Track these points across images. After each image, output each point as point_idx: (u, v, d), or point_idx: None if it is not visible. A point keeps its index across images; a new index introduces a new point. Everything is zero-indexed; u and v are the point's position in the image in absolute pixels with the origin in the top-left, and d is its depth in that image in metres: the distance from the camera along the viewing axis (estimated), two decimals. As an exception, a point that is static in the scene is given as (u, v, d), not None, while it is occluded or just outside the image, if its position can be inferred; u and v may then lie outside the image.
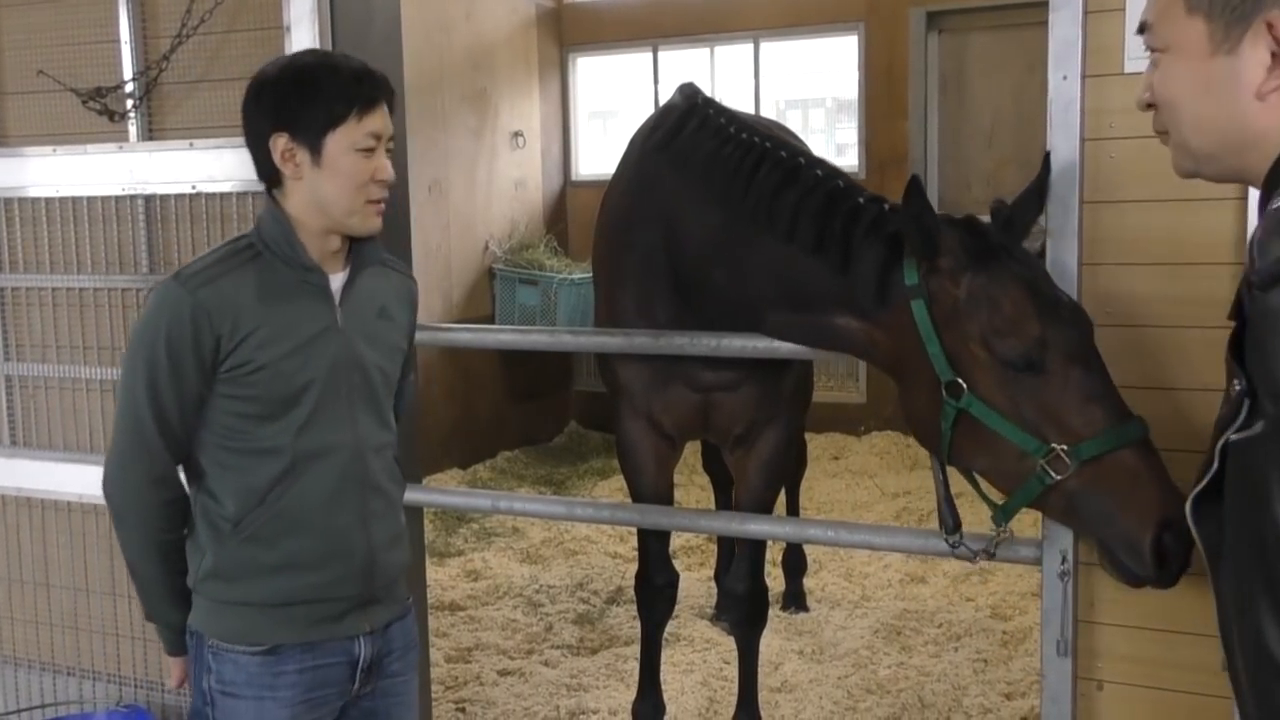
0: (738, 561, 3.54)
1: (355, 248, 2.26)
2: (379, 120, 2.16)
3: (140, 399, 2.11)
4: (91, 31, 3.41)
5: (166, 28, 3.30)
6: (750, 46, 7.99)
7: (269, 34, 3.19)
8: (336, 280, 2.22)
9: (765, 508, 3.44)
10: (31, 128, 3.56)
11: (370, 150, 2.15)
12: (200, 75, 3.30)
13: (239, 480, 2.15)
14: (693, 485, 6.61)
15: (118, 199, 3.45)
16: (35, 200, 3.57)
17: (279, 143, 2.14)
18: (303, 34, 3.13)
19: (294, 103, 2.13)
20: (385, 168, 2.18)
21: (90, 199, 3.49)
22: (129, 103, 3.36)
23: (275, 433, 2.13)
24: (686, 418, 3.30)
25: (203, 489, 2.18)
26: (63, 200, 3.53)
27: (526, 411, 7.82)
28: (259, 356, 2.10)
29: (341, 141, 2.13)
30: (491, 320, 7.45)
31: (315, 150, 2.13)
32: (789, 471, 3.52)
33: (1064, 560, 2.48)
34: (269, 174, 2.18)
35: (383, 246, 2.35)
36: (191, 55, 3.28)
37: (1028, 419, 2.25)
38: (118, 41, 3.36)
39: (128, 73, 3.35)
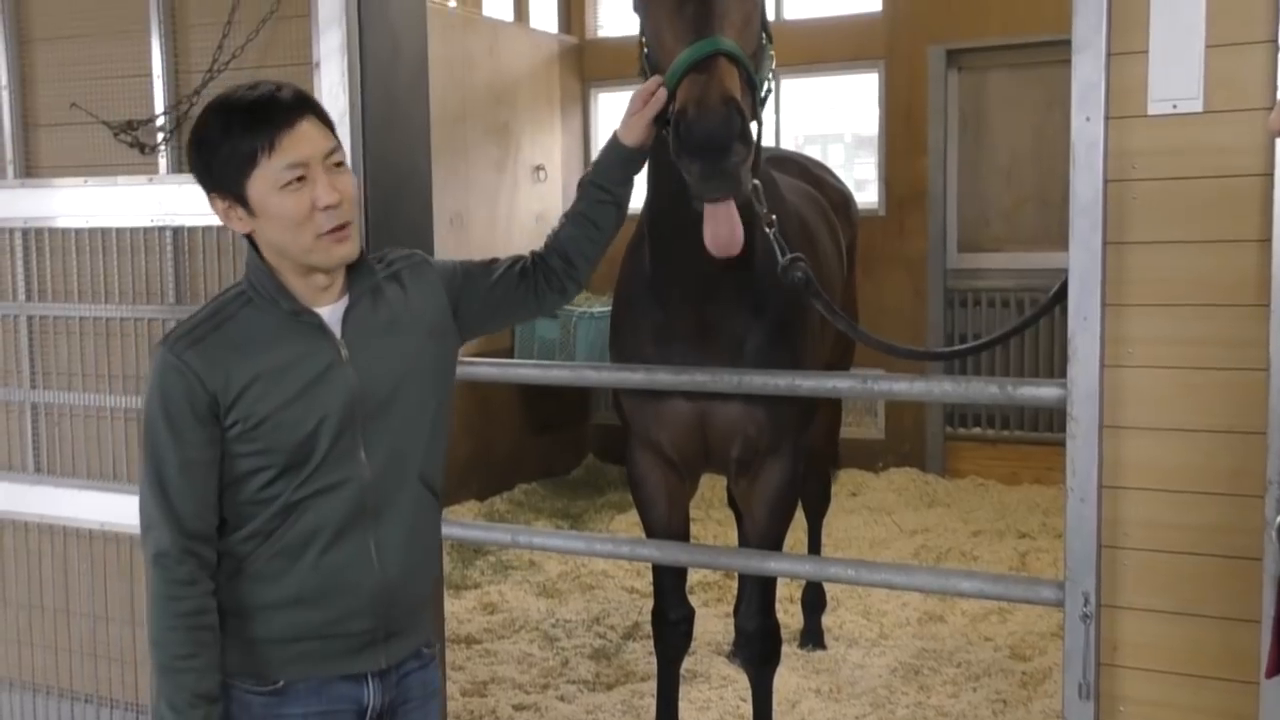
0: (747, 598, 3.52)
1: (349, 274, 2.17)
2: (299, 146, 2.02)
3: (155, 466, 2.06)
4: (125, 66, 3.46)
5: (198, 63, 3.34)
6: (770, 84, 8.03)
7: (298, 70, 3.22)
8: (334, 312, 2.14)
9: (772, 544, 3.38)
10: (63, 159, 3.61)
11: (300, 181, 2.01)
12: (230, 109, 3.34)
13: (245, 521, 2.11)
14: (709, 520, 6.60)
15: (146, 230, 3.49)
16: (65, 231, 3.61)
17: (216, 204, 2.09)
18: (331, 70, 3.16)
19: (207, 160, 2.06)
20: (324, 193, 2.02)
21: (119, 230, 3.53)
22: (160, 136, 3.40)
23: (292, 482, 2.09)
24: (682, 434, 3.24)
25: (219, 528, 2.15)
26: (92, 231, 3.57)
27: (544, 444, 7.82)
28: (259, 409, 2.05)
29: (261, 185, 2.02)
30: (511, 352, 7.47)
31: (243, 202, 2.05)
32: (794, 507, 3.47)
33: (1086, 602, 2.47)
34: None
35: (377, 256, 2.28)
36: (222, 89, 3.31)
37: None
38: (150, 76, 3.41)
39: (159, 107, 3.40)
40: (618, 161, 2.50)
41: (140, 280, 3.52)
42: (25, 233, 3.67)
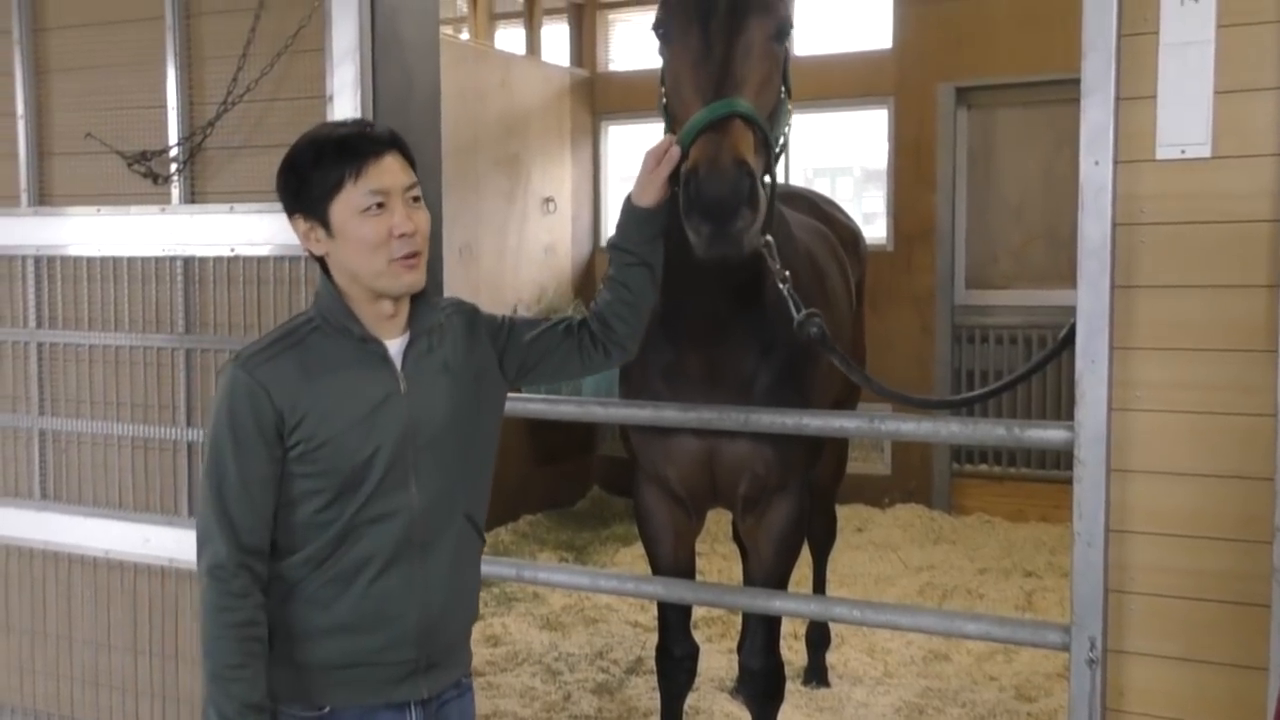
0: (751, 636, 3.51)
1: (413, 311, 2.27)
2: (383, 176, 2.15)
3: (217, 479, 2.14)
4: (140, 97, 3.49)
5: (213, 95, 3.37)
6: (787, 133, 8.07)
7: (312, 103, 3.25)
8: (396, 346, 2.24)
9: (778, 582, 3.38)
10: (77, 188, 3.63)
11: (380, 207, 2.14)
12: (243, 141, 3.36)
13: (301, 545, 2.17)
14: (714, 554, 6.58)
15: (157, 259, 3.51)
16: (77, 259, 3.64)
17: (298, 225, 2.21)
18: (344, 103, 3.19)
19: (295, 182, 2.18)
20: (402, 221, 2.15)
21: (130, 259, 3.55)
22: (173, 166, 3.42)
23: (346, 509, 2.16)
24: (689, 471, 3.25)
25: (271, 551, 2.20)
26: (104, 259, 3.59)
27: (549, 475, 7.81)
28: (321, 431, 2.13)
29: (344, 208, 2.15)
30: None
31: (325, 223, 2.16)
32: (801, 545, 3.46)
33: (1093, 647, 2.46)
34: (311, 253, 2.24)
35: (439, 301, 2.37)
36: (235, 122, 3.35)
37: None
38: (165, 107, 3.44)
39: (173, 137, 3.42)
40: (636, 222, 2.51)
41: (150, 309, 3.54)
42: (38, 260, 3.69)
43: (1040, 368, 2.99)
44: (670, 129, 2.75)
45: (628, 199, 2.54)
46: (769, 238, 2.80)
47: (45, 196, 3.69)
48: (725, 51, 2.62)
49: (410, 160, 2.24)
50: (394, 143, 2.21)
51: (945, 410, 6.88)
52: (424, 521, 2.21)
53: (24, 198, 3.68)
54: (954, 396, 7.13)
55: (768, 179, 2.69)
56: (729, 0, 2.66)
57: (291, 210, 2.21)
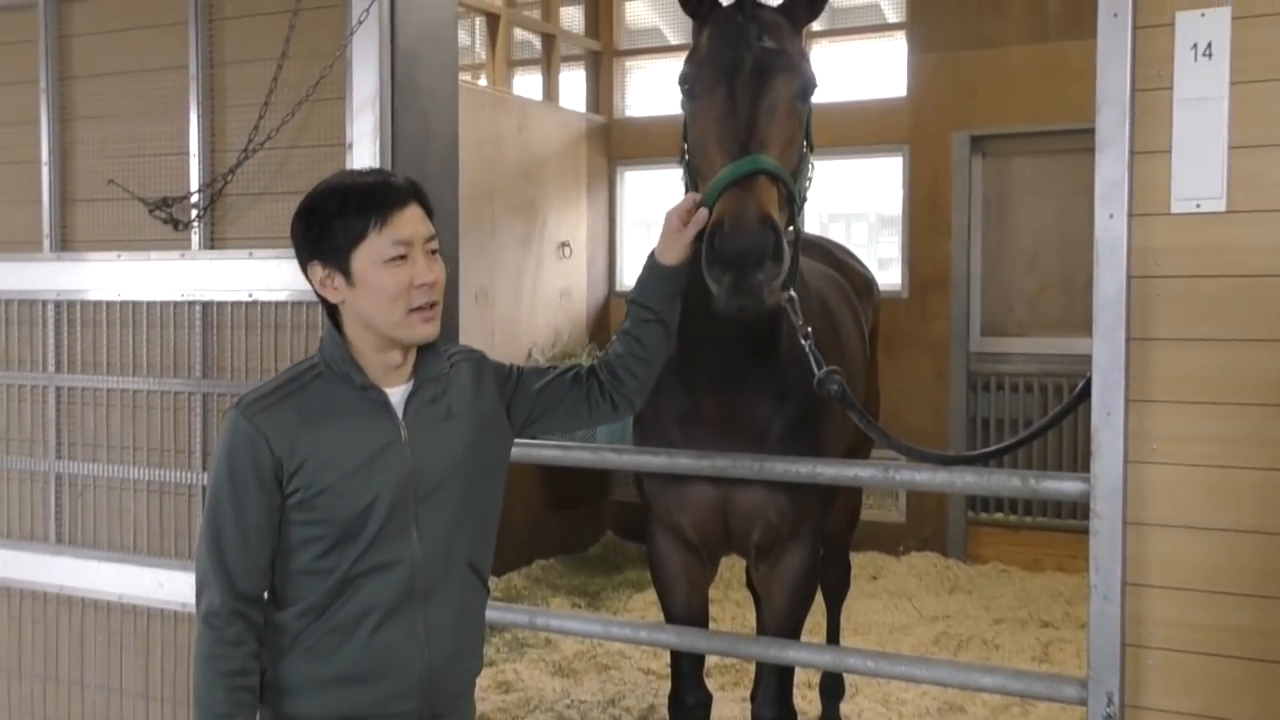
0: (765, 685, 3.49)
1: (419, 360, 2.27)
2: (405, 227, 2.16)
3: (215, 525, 2.15)
4: (162, 144, 3.54)
5: (234, 142, 3.41)
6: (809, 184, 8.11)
7: (331, 150, 3.29)
8: (399, 394, 2.24)
9: (791, 630, 3.36)
10: (99, 234, 3.68)
11: (402, 258, 2.14)
12: (263, 188, 3.40)
13: (302, 595, 2.17)
14: (728, 601, 6.54)
15: (176, 304, 3.54)
16: (97, 303, 3.67)
17: (315, 271, 2.20)
18: (364, 151, 3.22)
19: (316, 230, 2.18)
20: (423, 271, 2.16)
21: (150, 303, 3.58)
22: (194, 212, 3.46)
23: (345, 557, 2.15)
24: (704, 519, 3.24)
25: (269, 602, 2.21)
26: (123, 304, 3.63)
27: (563, 520, 7.80)
28: (320, 478, 2.13)
29: (366, 257, 2.14)
30: (532, 428, 7.47)
31: (345, 271, 2.16)
32: (814, 592, 3.44)
33: (1110, 702, 2.44)
34: (323, 299, 2.24)
35: (446, 350, 2.37)
36: (256, 169, 3.38)
37: None
38: (187, 154, 3.48)
39: (194, 184, 3.46)
40: (658, 279, 2.51)
41: (169, 354, 3.57)
42: (58, 305, 3.72)
43: (1056, 423, 2.98)
44: (691, 183, 2.76)
45: (651, 255, 2.54)
46: (792, 293, 2.80)
47: (67, 242, 3.73)
48: (751, 109, 2.63)
49: (429, 211, 2.25)
50: (415, 193, 2.22)
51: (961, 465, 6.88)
52: (426, 571, 2.21)
53: (46, 243, 3.73)
54: (970, 453, 7.12)
55: (792, 233, 2.70)
56: (755, 59, 2.69)
57: (308, 257, 2.21)
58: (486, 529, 2.37)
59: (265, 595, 2.20)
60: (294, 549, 2.17)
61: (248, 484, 2.12)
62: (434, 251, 2.22)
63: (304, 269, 2.23)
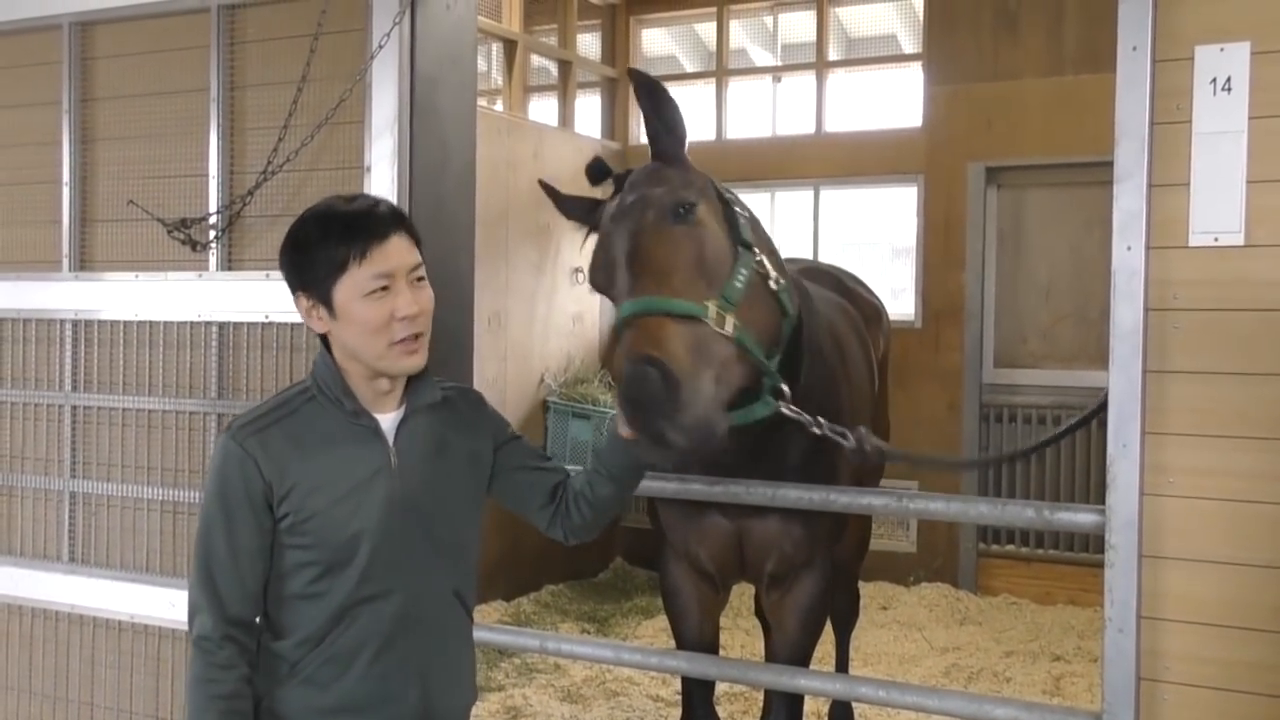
0: (775, 713, 3.47)
1: (410, 386, 2.26)
2: (388, 258, 2.12)
3: (206, 549, 2.14)
4: (182, 165, 3.57)
5: (253, 164, 3.43)
6: (810, 193, 8.14)
7: (349, 173, 3.31)
8: (390, 420, 2.22)
9: (802, 658, 3.36)
10: (117, 254, 3.70)
11: (384, 290, 2.11)
12: (281, 210, 3.41)
13: (299, 624, 2.16)
14: (737, 629, 6.51)
15: (193, 324, 3.55)
16: (114, 323, 3.69)
17: (301, 302, 2.19)
18: (382, 174, 3.24)
19: (300, 261, 2.16)
20: (405, 304, 2.12)
21: (166, 324, 3.59)
22: (212, 234, 3.48)
23: (339, 583, 2.14)
24: (720, 549, 3.25)
25: (265, 630, 2.20)
26: (140, 324, 3.64)
27: (573, 546, 7.77)
28: (310, 503, 2.12)
29: (348, 291, 2.11)
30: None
31: (328, 304, 2.14)
32: (825, 620, 3.43)
33: (1125, 736, 2.42)
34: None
35: (439, 380, 2.35)
36: (274, 191, 3.40)
37: None
38: (206, 176, 3.50)
39: (213, 205, 3.48)
40: (618, 447, 2.42)
41: (184, 374, 3.58)
42: (75, 324, 3.74)
43: (1072, 432, 2.97)
44: None
45: (612, 419, 2.47)
46: (783, 407, 2.71)
47: (86, 262, 3.75)
48: (623, 258, 2.57)
49: (416, 239, 2.21)
50: (400, 221, 2.18)
51: (974, 470, 6.87)
52: (419, 599, 2.20)
53: (65, 263, 3.75)
54: (984, 456, 7.11)
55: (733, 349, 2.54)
56: (619, 217, 2.66)
57: (294, 287, 2.19)
58: (468, 561, 2.36)
59: (257, 619, 2.19)
60: (287, 574, 2.16)
61: (238, 508, 2.11)
62: (420, 279, 2.19)
63: (294, 298, 2.22)
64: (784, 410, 2.75)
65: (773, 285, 2.78)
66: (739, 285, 2.60)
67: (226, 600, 2.12)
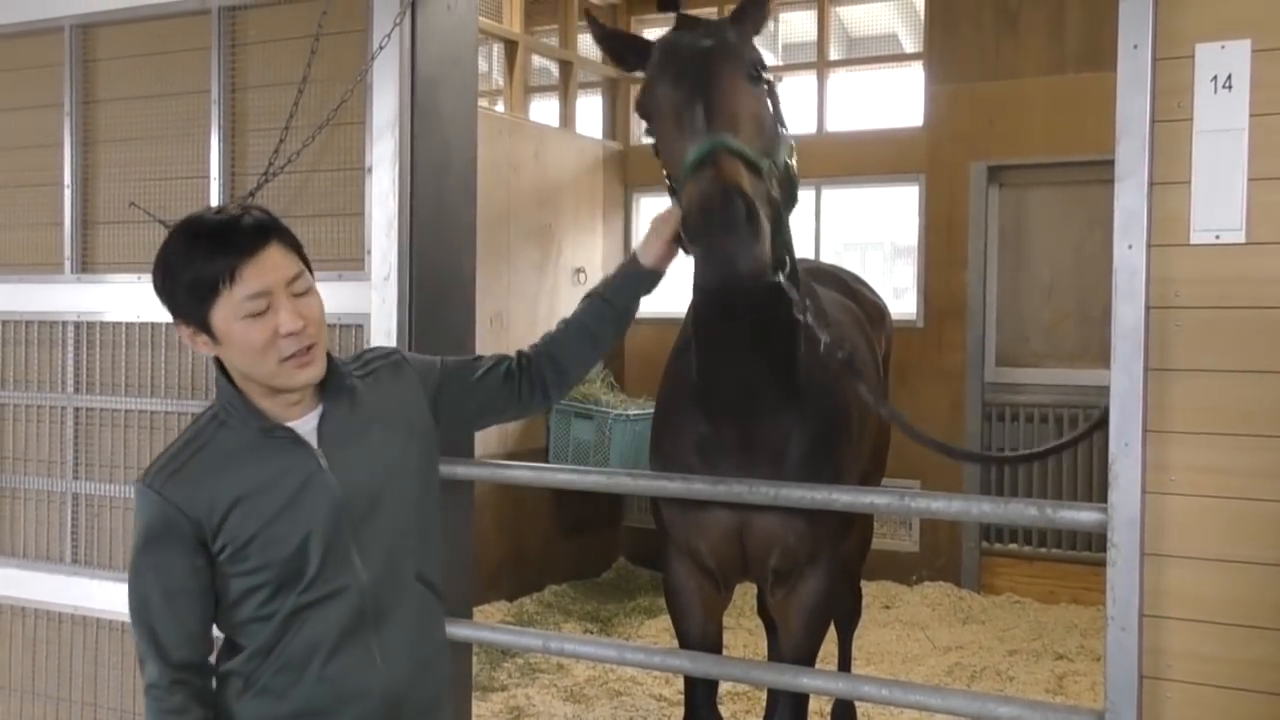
0: (779, 713, 3.46)
1: (321, 384, 2.16)
2: (262, 276, 2.00)
3: (139, 600, 2.09)
4: (183, 167, 3.58)
5: (254, 165, 3.44)
6: (812, 193, 8.14)
7: (350, 174, 3.31)
8: (308, 423, 2.15)
9: (807, 657, 3.35)
10: (119, 256, 3.71)
11: (263, 310, 2.00)
12: (283, 211, 3.39)
13: (249, 638, 2.13)
14: (740, 628, 6.51)
15: (195, 326, 3.55)
16: (116, 324, 3.69)
17: (181, 329, 2.09)
18: (383, 175, 3.24)
19: (170, 288, 2.06)
20: (287, 320, 2.01)
21: (169, 325, 3.58)
22: (213, 235, 3.47)
23: (290, 597, 2.10)
24: (722, 543, 3.23)
25: (224, 654, 2.17)
26: (141, 325, 3.65)
27: (576, 545, 7.79)
28: (245, 528, 2.06)
29: (224, 314, 2.01)
30: (545, 452, 7.47)
31: (207, 330, 2.05)
32: (830, 620, 3.43)
33: (1128, 735, 2.41)
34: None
35: (348, 364, 2.26)
36: (276, 192, 3.40)
37: None
38: (208, 178, 3.51)
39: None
40: (630, 277, 2.50)
41: (186, 375, 3.58)
42: (78, 326, 3.75)
43: (1076, 443, 2.97)
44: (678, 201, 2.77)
45: (633, 254, 2.53)
46: (782, 279, 2.76)
47: (88, 264, 3.76)
48: (701, 98, 2.63)
49: (293, 244, 2.10)
50: (270, 231, 2.05)
51: (976, 464, 6.86)
52: (374, 593, 2.15)
53: (67, 265, 3.75)
54: (993, 453, 7.09)
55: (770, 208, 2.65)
56: (695, 57, 2.70)
57: (172, 314, 2.08)
58: (429, 537, 2.29)
59: (210, 658, 2.15)
60: (237, 602, 2.11)
61: (166, 555, 2.06)
62: (305, 290, 2.07)
63: (174, 324, 2.12)
64: (781, 281, 2.75)
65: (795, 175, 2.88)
66: (784, 160, 2.75)
67: (169, 647, 2.07)
